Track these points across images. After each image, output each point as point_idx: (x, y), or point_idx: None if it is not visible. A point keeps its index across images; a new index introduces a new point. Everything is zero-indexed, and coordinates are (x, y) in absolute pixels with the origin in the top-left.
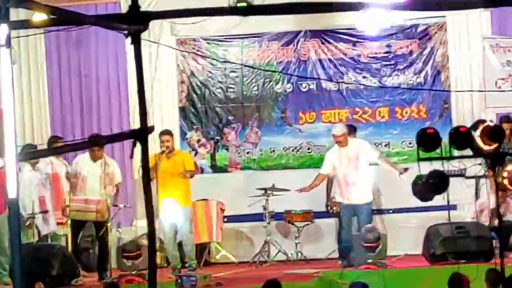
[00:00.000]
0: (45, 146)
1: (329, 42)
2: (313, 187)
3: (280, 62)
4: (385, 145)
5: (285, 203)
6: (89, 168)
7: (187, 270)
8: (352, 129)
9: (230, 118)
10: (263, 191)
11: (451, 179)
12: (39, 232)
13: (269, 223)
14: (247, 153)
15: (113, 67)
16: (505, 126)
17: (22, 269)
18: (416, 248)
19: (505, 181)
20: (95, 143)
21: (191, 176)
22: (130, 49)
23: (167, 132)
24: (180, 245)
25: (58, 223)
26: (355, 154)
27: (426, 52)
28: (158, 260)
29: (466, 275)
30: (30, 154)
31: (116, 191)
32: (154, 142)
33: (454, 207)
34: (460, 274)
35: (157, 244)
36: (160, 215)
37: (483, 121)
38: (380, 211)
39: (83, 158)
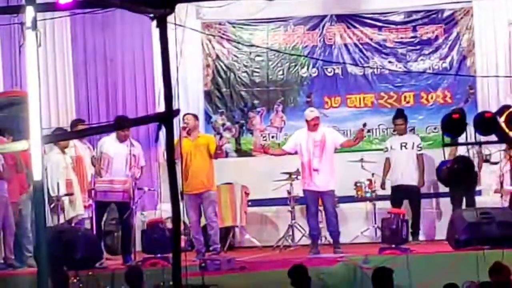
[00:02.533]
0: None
1: (354, 27)
2: (269, 153)
3: (306, 46)
4: (410, 130)
5: None
6: (115, 149)
7: (211, 253)
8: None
9: (255, 102)
10: (287, 175)
11: None
12: (64, 215)
13: (293, 207)
14: (272, 137)
15: (139, 50)
16: None
17: (47, 252)
18: (441, 234)
19: None
20: (120, 127)
21: (216, 157)
22: (155, 32)
23: (189, 114)
24: (204, 228)
25: (84, 206)
26: (322, 139)
27: (452, 37)
28: (182, 244)
29: (507, 265)
30: (55, 136)
31: (140, 174)
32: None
33: (478, 193)
34: (502, 263)
35: (181, 228)
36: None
37: (509, 107)
38: None
39: (109, 139)
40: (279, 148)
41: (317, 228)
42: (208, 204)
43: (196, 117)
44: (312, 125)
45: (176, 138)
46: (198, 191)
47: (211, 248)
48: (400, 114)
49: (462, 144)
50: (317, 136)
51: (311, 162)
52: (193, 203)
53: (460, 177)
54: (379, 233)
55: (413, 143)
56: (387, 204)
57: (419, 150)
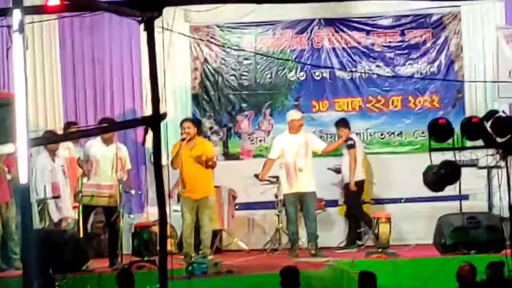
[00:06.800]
0: (60, 132)
1: (343, 31)
2: (265, 174)
3: (294, 50)
4: (398, 134)
5: None
6: (102, 152)
7: (199, 257)
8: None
9: (243, 105)
10: (275, 179)
11: (463, 169)
12: (51, 218)
13: (280, 211)
14: (260, 140)
15: (127, 53)
16: None
17: (34, 254)
18: (427, 238)
19: None
20: (108, 130)
21: (213, 166)
22: (143, 35)
23: (188, 119)
24: (196, 231)
25: (74, 207)
26: (304, 141)
27: (440, 41)
28: (169, 247)
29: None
30: (41, 139)
31: (127, 177)
32: (175, 132)
33: (466, 197)
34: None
35: (168, 231)
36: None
37: (495, 112)
38: (392, 200)
39: (95, 142)
40: (269, 160)
41: (297, 233)
42: (205, 209)
43: (194, 123)
44: (297, 126)
45: (175, 144)
46: (197, 197)
47: (200, 252)
48: None
49: (449, 149)
50: (301, 138)
51: (295, 162)
52: (190, 207)
53: (446, 182)
54: (365, 237)
55: None
56: (373, 208)
57: None
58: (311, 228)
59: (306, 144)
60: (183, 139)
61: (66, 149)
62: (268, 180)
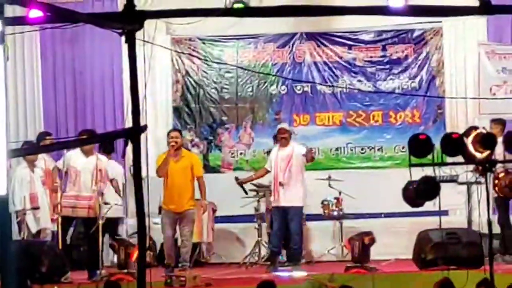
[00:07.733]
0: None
1: (324, 45)
2: (253, 179)
3: (275, 63)
4: (378, 149)
5: None
6: (82, 163)
7: (178, 270)
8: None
9: (224, 118)
10: (255, 192)
11: (443, 185)
12: (29, 229)
13: (260, 224)
14: (240, 154)
15: (108, 65)
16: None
17: (12, 265)
18: (407, 253)
19: (497, 188)
20: (87, 142)
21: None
22: (125, 47)
23: (176, 130)
24: (175, 244)
25: (51, 220)
26: (289, 155)
27: (421, 57)
28: (148, 259)
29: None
30: (21, 150)
31: (116, 186)
32: (156, 144)
33: (445, 213)
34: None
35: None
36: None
37: (476, 128)
38: (372, 215)
39: (75, 153)
40: (264, 168)
41: (278, 246)
42: (186, 222)
43: (181, 134)
44: (279, 139)
45: (161, 154)
46: (179, 210)
47: (180, 265)
48: None
49: (429, 164)
50: (285, 151)
51: (278, 176)
52: (170, 219)
53: (425, 198)
54: (345, 251)
55: None
56: (353, 223)
57: None
58: (292, 243)
59: (288, 158)
60: (172, 146)
61: (41, 160)
62: (244, 189)
